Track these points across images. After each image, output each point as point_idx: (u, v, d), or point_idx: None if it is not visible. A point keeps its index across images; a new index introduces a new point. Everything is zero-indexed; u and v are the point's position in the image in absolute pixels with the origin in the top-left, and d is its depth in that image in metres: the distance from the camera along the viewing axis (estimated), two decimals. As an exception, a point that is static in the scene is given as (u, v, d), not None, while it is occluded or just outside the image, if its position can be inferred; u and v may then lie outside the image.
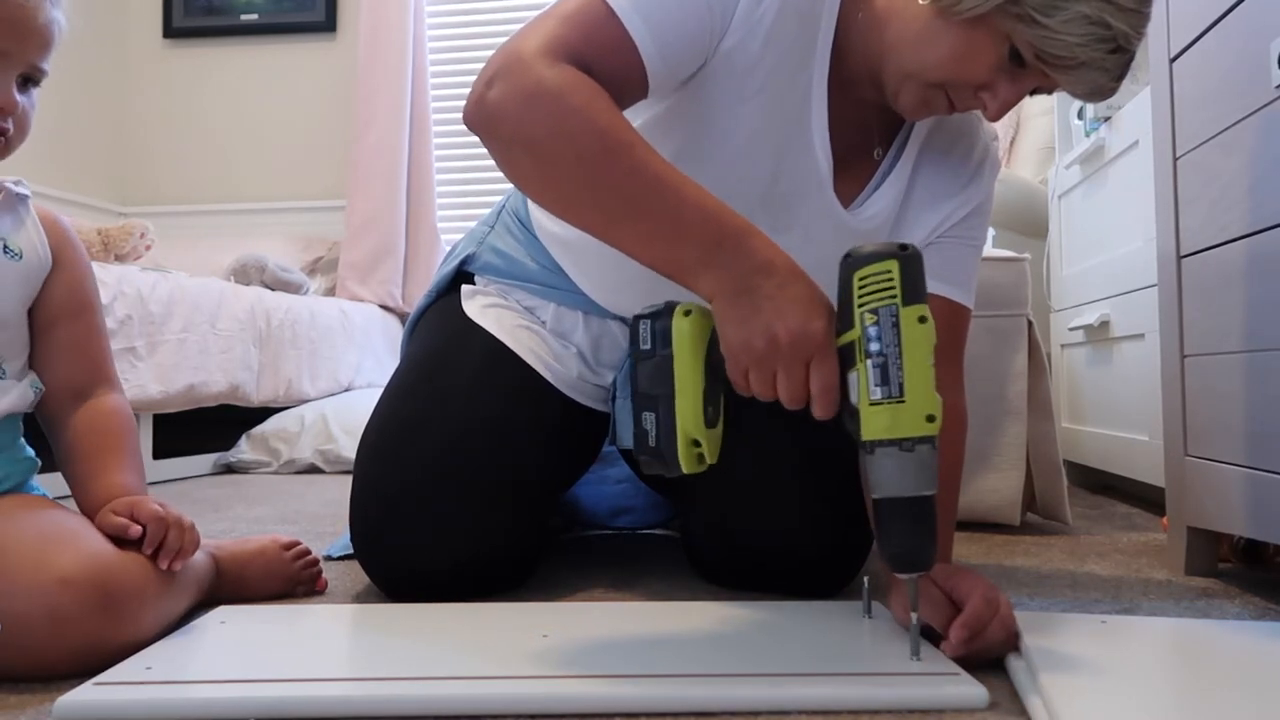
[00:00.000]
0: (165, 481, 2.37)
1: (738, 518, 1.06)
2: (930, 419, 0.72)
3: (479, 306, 1.13)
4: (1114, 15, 0.80)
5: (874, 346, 0.72)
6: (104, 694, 0.68)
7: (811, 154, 0.97)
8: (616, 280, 1.07)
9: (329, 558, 1.25)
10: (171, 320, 2.24)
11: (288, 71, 3.69)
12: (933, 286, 0.90)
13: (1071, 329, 2.09)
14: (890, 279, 0.72)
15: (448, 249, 1.48)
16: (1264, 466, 1.01)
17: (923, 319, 0.72)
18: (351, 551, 1.08)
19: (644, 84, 0.88)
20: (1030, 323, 1.58)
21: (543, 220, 1.12)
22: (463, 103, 0.86)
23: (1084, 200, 2.12)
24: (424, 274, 3.47)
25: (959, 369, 1.03)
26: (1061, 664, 0.74)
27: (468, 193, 3.62)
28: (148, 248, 2.54)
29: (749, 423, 0.88)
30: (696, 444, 0.79)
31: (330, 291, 3.45)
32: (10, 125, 0.84)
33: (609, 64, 0.85)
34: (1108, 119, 1.93)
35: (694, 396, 0.79)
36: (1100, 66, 0.83)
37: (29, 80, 0.85)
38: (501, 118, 0.82)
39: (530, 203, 1.15)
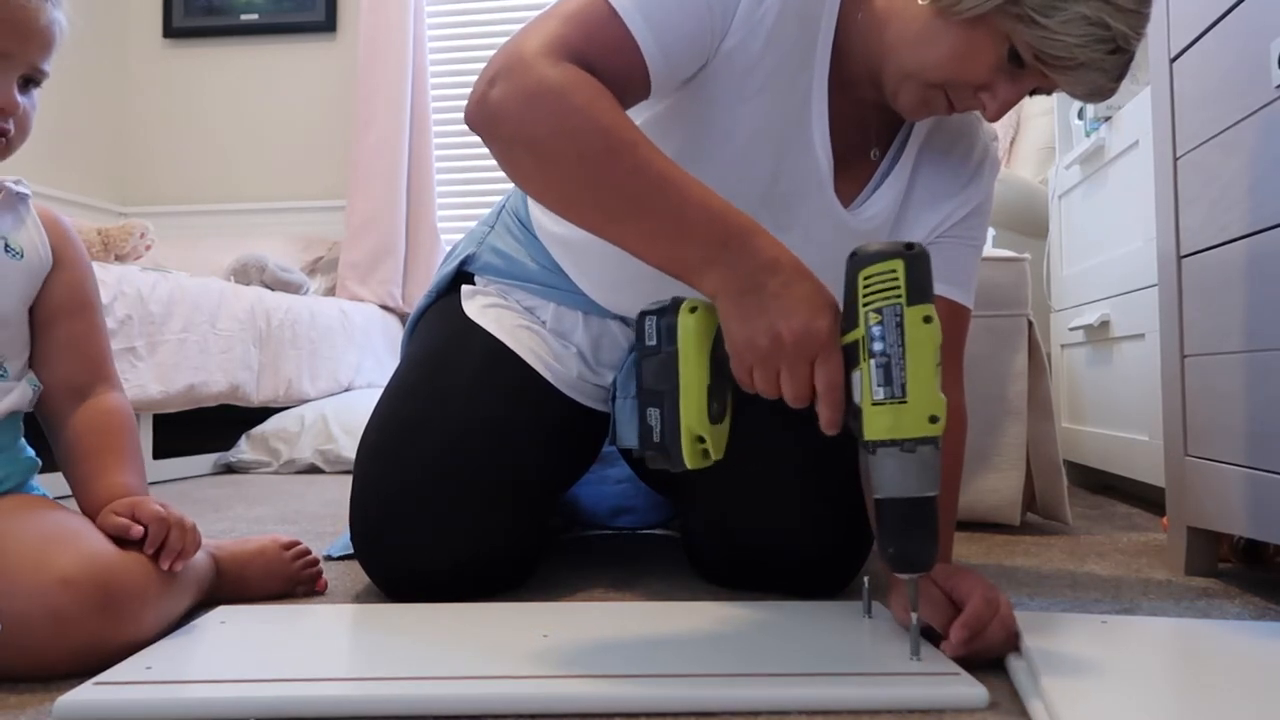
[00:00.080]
0: (165, 481, 2.37)
1: (738, 517, 1.06)
2: (933, 420, 0.71)
3: (479, 306, 1.13)
4: (1113, 16, 0.80)
5: (877, 346, 0.72)
6: (104, 694, 0.68)
7: (812, 154, 0.97)
8: (617, 280, 1.07)
9: (329, 558, 1.25)
10: (171, 320, 2.24)
11: (288, 71, 3.69)
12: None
13: (1071, 329, 2.09)
14: (895, 278, 0.72)
15: (448, 249, 1.48)
16: (1264, 466, 1.01)
17: (928, 319, 0.71)
18: (351, 551, 1.09)
19: (646, 84, 0.88)
20: (1030, 323, 1.58)
21: (543, 220, 1.12)
22: (463, 103, 0.86)
23: (1084, 200, 2.12)
24: (424, 274, 3.47)
25: (959, 369, 1.03)
26: (1062, 664, 0.74)
27: (468, 193, 3.62)
28: (148, 248, 2.54)
29: (750, 422, 0.88)
30: (701, 439, 0.79)
31: (330, 291, 3.45)
32: (11, 126, 0.84)
33: (611, 63, 0.85)
34: (1108, 119, 1.93)
35: (699, 392, 0.79)
36: (1099, 67, 0.83)
37: (30, 81, 0.85)
38: (503, 117, 0.82)
39: (530, 202, 1.15)
